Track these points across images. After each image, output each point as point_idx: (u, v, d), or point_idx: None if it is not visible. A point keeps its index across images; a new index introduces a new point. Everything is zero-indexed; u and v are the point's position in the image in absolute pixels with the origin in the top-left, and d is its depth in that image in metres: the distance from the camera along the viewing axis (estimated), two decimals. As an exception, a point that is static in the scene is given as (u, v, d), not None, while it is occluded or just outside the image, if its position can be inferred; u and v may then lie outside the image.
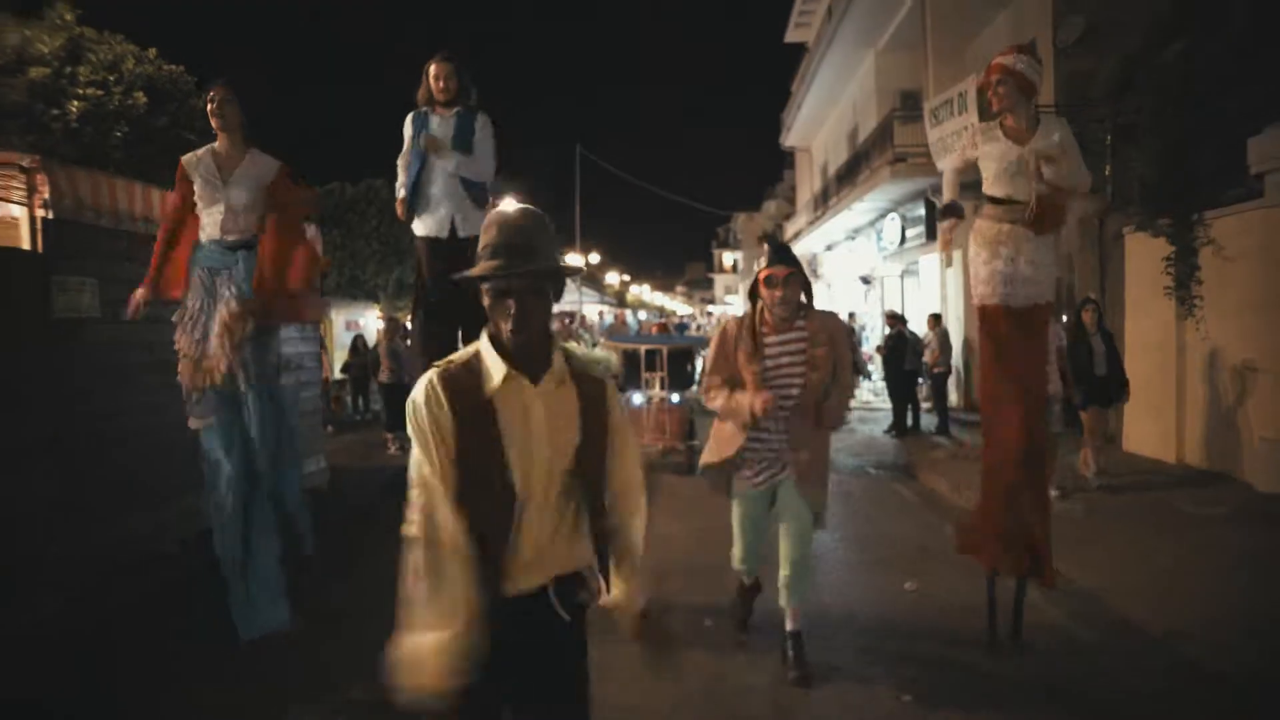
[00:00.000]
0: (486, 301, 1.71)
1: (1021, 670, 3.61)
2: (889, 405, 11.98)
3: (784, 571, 3.62)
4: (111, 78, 8.20)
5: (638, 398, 8.73)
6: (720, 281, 65.00)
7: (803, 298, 3.50)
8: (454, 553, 1.65)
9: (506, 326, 1.68)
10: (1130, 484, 6.97)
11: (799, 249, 26.76)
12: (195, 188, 3.93)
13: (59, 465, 4.37)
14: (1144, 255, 7.93)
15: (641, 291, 66.61)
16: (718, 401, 3.58)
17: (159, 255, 3.97)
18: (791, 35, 26.30)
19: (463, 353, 1.78)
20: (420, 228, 4.57)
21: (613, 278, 54.26)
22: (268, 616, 3.86)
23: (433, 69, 4.48)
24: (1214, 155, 6.83)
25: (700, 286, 76.48)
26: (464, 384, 1.70)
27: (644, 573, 1.87)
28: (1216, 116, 6.65)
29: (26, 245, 4.60)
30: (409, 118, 4.58)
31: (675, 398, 8.62)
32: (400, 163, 4.60)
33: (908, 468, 8.66)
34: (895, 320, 11.78)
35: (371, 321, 17.85)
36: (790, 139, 27.87)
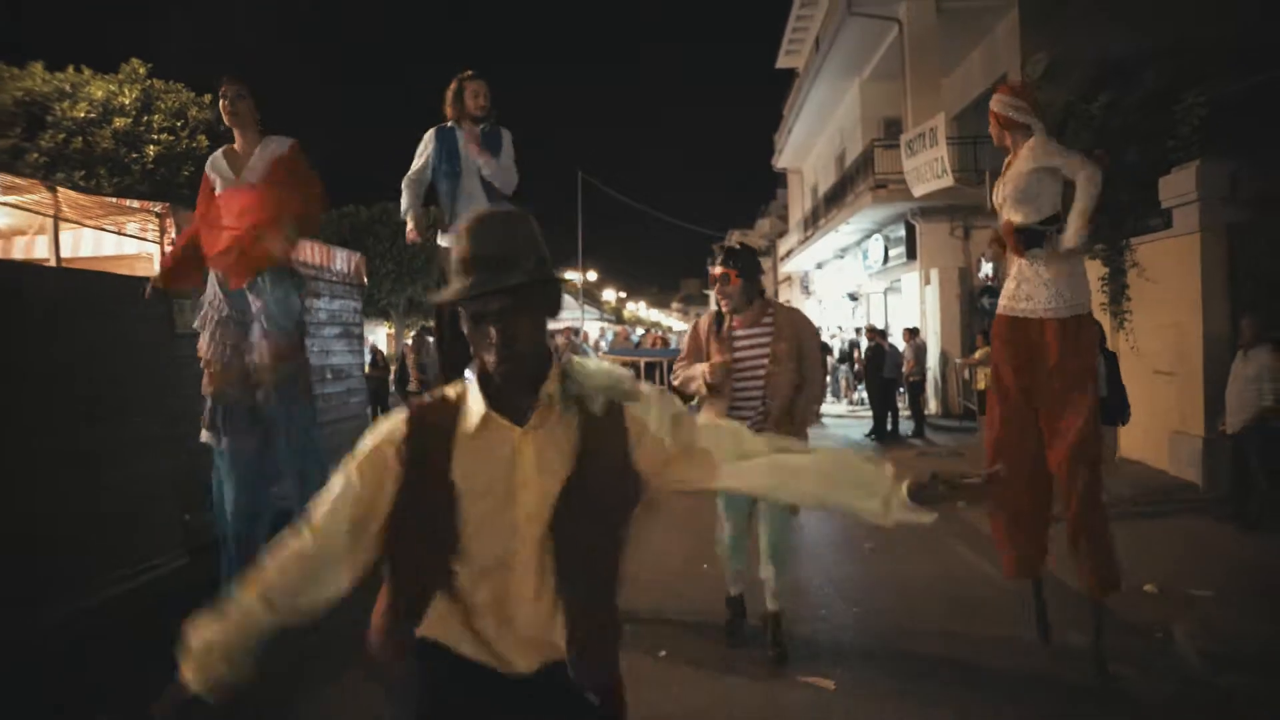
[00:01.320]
0: (465, 328, 1.42)
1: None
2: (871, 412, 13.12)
3: (764, 555, 3.88)
4: (179, 124, 9.34)
5: None
6: (714, 298, 65.77)
7: (763, 294, 3.95)
8: (262, 586, 1.43)
9: (490, 358, 1.40)
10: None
11: (791, 266, 28.01)
12: (216, 188, 3.87)
13: (175, 454, 5.33)
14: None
15: (638, 308, 67.70)
16: (679, 376, 3.97)
17: (176, 249, 4.04)
18: (782, 62, 27.46)
19: (453, 386, 1.50)
20: (446, 240, 4.57)
21: (609, 294, 55.36)
22: None
23: (470, 86, 4.52)
24: (1135, 191, 7.99)
25: (695, 302, 77.40)
26: (435, 425, 1.44)
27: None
28: (1133, 161, 7.81)
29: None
30: (432, 132, 4.58)
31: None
32: (406, 181, 4.58)
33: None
34: (875, 334, 12.92)
35: (382, 338, 18.92)
36: (782, 161, 29.02)
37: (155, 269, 5.78)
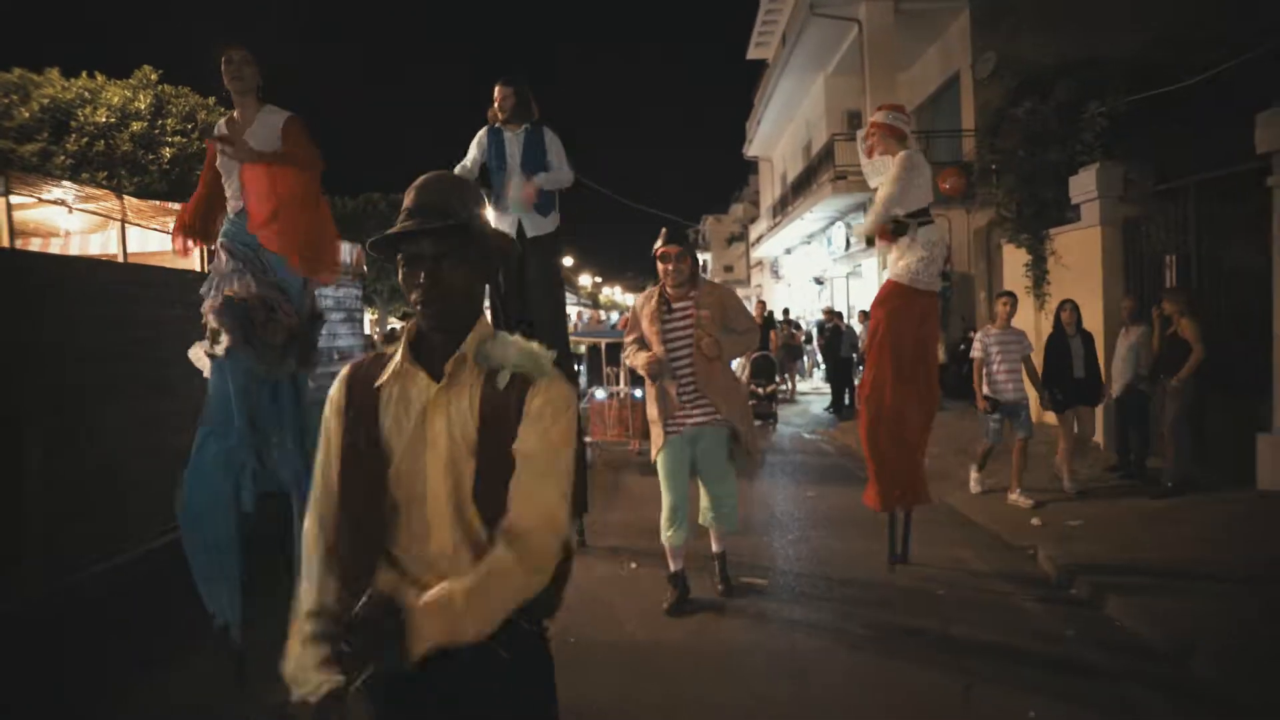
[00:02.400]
0: (401, 281, 1.49)
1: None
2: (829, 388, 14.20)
3: (704, 504, 4.23)
4: (189, 126, 10.11)
5: (600, 393, 8.94)
6: (661, 273, 66.00)
7: (700, 274, 4.24)
8: (313, 555, 1.51)
9: (415, 297, 1.46)
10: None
11: (762, 251, 29.00)
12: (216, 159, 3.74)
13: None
14: (1014, 261, 10.17)
15: (614, 292, 68.50)
16: (629, 356, 4.26)
17: (184, 213, 3.93)
18: (753, 53, 28.17)
19: (392, 345, 1.58)
20: (494, 220, 4.94)
21: (585, 279, 56.11)
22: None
23: (497, 91, 4.86)
24: (1055, 188, 9.05)
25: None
26: (367, 377, 1.52)
27: (435, 620, 1.29)
28: (1054, 160, 8.87)
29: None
30: (483, 132, 4.97)
31: (638, 393, 8.05)
32: (459, 171, 4.88)
33: (832, 434, 10.92)
34: (832, 315, 13.97)
35: (365, 324, 19.74)
36: (753, 149, 29.86)
37: (197, 263, 6.66)
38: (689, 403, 4.13)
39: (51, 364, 4.57)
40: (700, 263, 4.61)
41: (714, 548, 4.46)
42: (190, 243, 3.89)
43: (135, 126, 9.49)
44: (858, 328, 13.96)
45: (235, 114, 3.75)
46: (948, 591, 4.57)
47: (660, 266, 4.16)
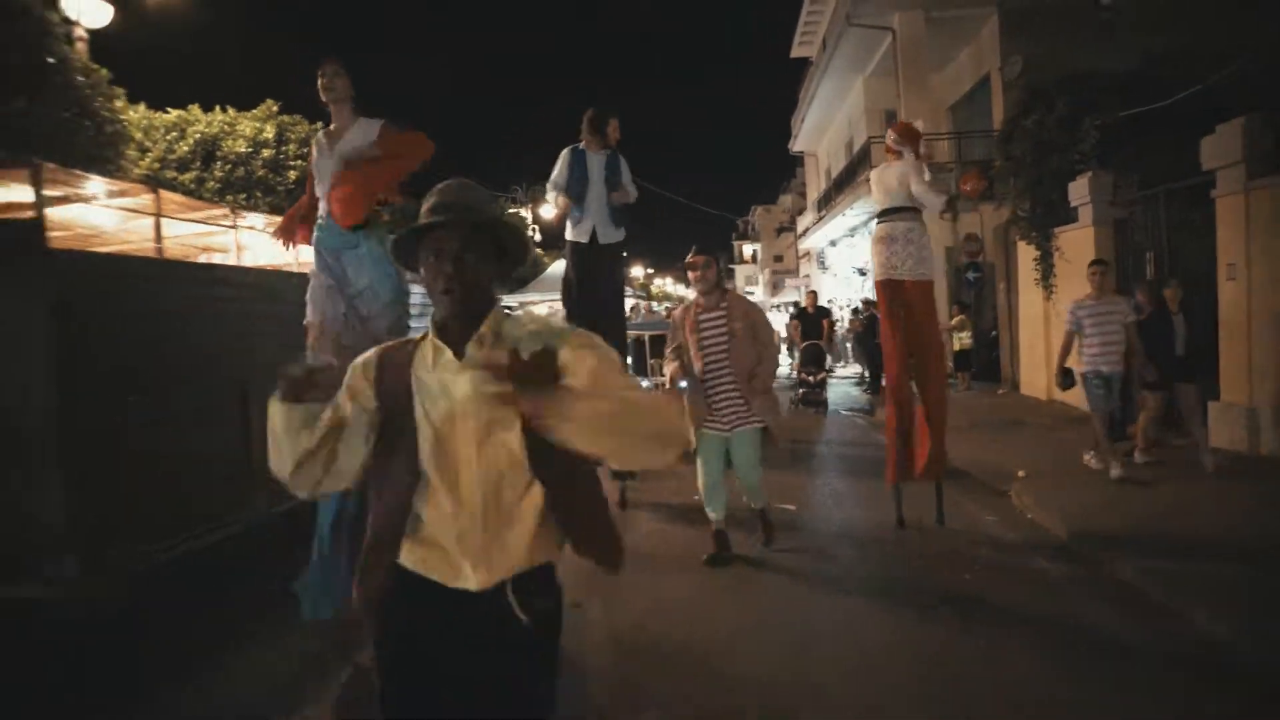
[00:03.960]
0: (425, 272, 1.64)
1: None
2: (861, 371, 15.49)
3: (744, 487, 4.99)
4: (305, 150, 11.86)
5: (645, 383, 9.77)
6: (741, 272, 66.30)
7: (725, 281, 4.90)
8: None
9: (438, 286, 1.60)
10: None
11: (809, 242, 30.08)
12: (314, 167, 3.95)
13: None
14: (1026, 256, 11.37)
15: (665, 283, 69.51)
16: (666, 365, 4.97)
17: (290, 213, 4.23)
18: (796, 51, 29.08)
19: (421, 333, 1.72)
20: (570, 234, 5.98)
21: (637, 271, 57.27)
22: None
23: (609, 120, 5.87)
24: (1060, 191, 10.24)
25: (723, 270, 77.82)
26: (397, 360, 1.67)
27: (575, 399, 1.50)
28: (1056, 167, 10.07)
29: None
30: (568, 151, 5.89)
31: (683, 383, 9.17)
32: (550, 184, 5.95)
33: (866, 411, 12.29)
34: (869, 305, 15.23)
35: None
36: (798, 144, 30.78)
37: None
38: (725, 403, 4.73)
39: (260, 345, 5.68)
40: (723, 270, 5.26)
41: (754, 505, 5.14)
42: (289, 241, 4.23)
43: (265, 153, 11.29)
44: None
45: (332, 124, 3.95)
46: (965, 550, 5.20)
47: (690, 274, 4.85)
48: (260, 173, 11.06)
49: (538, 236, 27.35)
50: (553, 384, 1.54)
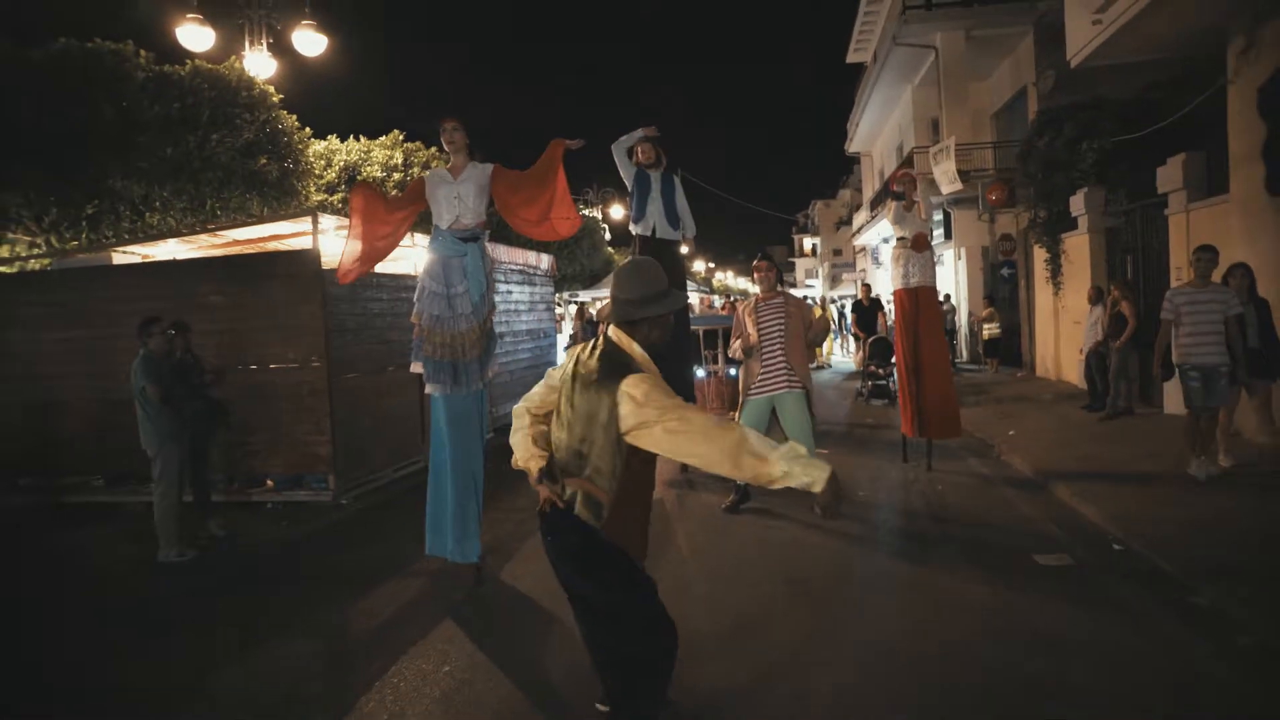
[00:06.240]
0: (651, 325, 2.55)
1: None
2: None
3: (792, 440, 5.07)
4: (426, 173, 14.19)
5: (700, 372, 10.11)
6: (801, 265, 67.10)
7: (781, 281, 6.04)
8: (522, 421, 2.74)
9: (658, 335, 2.58)
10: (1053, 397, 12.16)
11: (863, 239, 31.56)
12: (427, 190, 4.83)
13: (419, 394, 9.99)
14: (1039, 258, 13.06)
15: (726, 277, 70.83)
16: (733, 347, 6.01)
17: (367, 240, 4.88)
18: (852, 57, 30.39)
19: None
20: (635, 229, 6.57)
21: (699, 265, 58.74)
22: (456, 549, 4.77)
23: (640, 149, 6.40)
24: (1063, 202, 11.92)
25: (781, 270, 78.12)
26: (572, 356, 2.65)
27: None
28: (1059, 183, 11.76)
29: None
30: (636, 171, 6.42)
31: (732, 371, 9.69)
32: (615, 148, 6.38)
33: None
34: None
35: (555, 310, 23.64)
36: (853, 146, 32.11)
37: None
38: (775, 373, 5.76)
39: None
40: (780, 273, 6.50)
41: None
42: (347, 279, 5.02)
43: (395, 176, 13.64)
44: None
45: (449, 166, 4.87)
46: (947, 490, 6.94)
47: (755, 275, 6.22)
48: (394, 193, 13.42)
49: (608, 235, 29.49)
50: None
